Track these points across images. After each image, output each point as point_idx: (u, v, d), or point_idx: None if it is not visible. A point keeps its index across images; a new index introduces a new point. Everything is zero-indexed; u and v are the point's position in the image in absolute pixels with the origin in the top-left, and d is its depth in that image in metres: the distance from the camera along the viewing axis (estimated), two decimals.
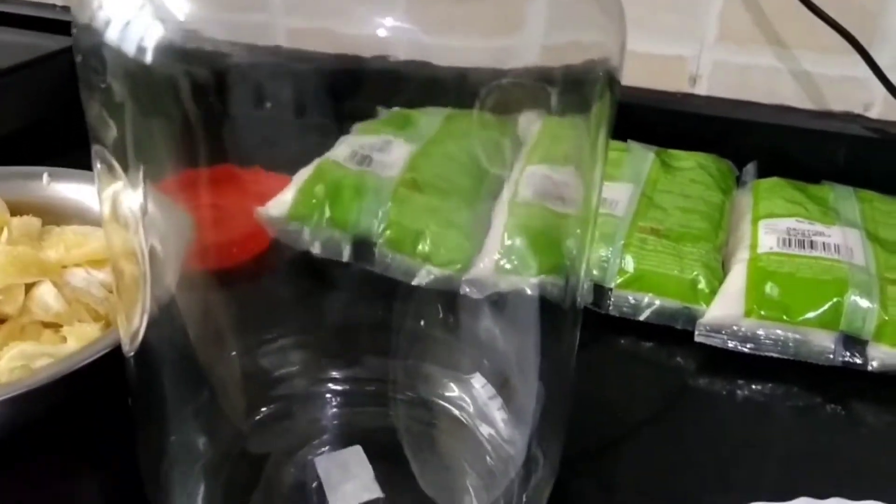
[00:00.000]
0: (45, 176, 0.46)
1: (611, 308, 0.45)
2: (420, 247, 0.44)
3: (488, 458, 0.34)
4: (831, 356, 0.42)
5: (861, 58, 0.55)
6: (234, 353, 0.36)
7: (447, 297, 0.41)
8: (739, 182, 0.57)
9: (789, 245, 0.46)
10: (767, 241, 0.47)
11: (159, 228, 0.29)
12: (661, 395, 0.41)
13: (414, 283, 0.42)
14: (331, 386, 0.37)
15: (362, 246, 0.44)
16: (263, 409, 0.36)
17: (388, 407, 0.37)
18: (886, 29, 0.57)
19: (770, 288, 0.43)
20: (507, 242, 0.42)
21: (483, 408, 0.36)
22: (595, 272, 0.46)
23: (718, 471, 0.36)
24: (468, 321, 0.39)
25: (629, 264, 0.46)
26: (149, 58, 0.24)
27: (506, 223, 0.42)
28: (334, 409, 0.36)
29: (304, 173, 0.44)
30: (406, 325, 0.38)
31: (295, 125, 0.28)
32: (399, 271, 0.43)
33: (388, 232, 0.44)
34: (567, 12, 0.27)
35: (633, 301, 0.45)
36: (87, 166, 0.29)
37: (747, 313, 0.43)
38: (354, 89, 0.27)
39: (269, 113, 0.26)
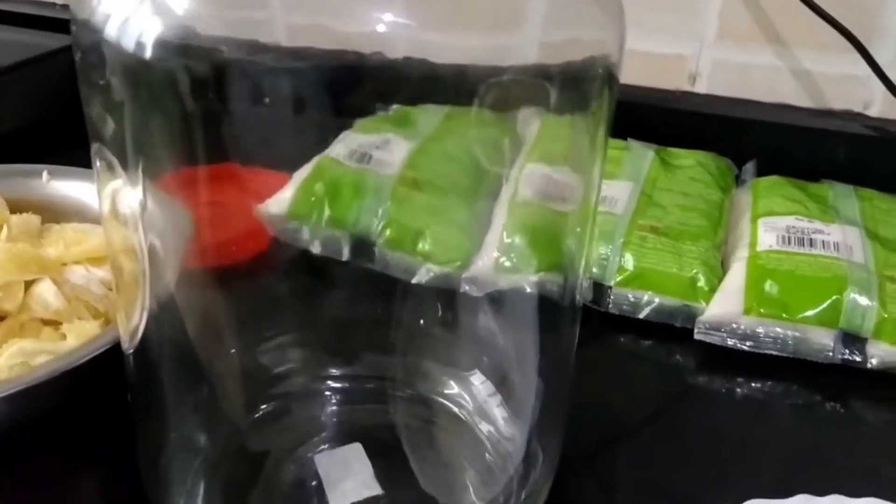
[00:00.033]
0: (44, 174, 0.46)
1: (610, 306, 0.45)
2: (419, 245, 0.44)
3: (487, 455, 0.35)
4: (830, 354, 0.42)
5: (861, 56, 0.55)
6: (233, 350, 0.36)
7: (446, 295, 0.41)
8: (739, 180, 0.57)
9: (789, 243, 0.46)
10: (767, 238, 0.47)
11: (159, 226, 0.29)
12: (660, 392, 0.41)
13: (413, 281, 0.42)
14: (330, 383, 0.37)
15: (362, 244, 0.44)
16: (263, 406, 0.36)
17: (388, 404, 0.37)
18: (886, 27, 0.57)
19: (769, 286, 0.43)
20: (507, 240, 0.42)
21: (482, 405, 0.36)
22: (594, 270, 0.46)
23: (717, 468, 0.36)
24: (467, 319, 0.39)
25: (629, 262, 0.46)
26: (148, 54, 0.24)
27: (505, 221, 0.42)
28: (334, 407, 0.36)
29: (303, 171, 0.44)
30: (405, 323, 0.38)
31: (294, 122, 0.28)
32: (398, 269, 0.43)
33: (387, 230, 0.44)
34: (566, 9, 0.27)
35: (632, 299, 0.45)
36: (87, 164, 0.29)
37: (747, 311, 0.43)
38: (353, 86, 0.27)
39: (268, 110, 0.26)
